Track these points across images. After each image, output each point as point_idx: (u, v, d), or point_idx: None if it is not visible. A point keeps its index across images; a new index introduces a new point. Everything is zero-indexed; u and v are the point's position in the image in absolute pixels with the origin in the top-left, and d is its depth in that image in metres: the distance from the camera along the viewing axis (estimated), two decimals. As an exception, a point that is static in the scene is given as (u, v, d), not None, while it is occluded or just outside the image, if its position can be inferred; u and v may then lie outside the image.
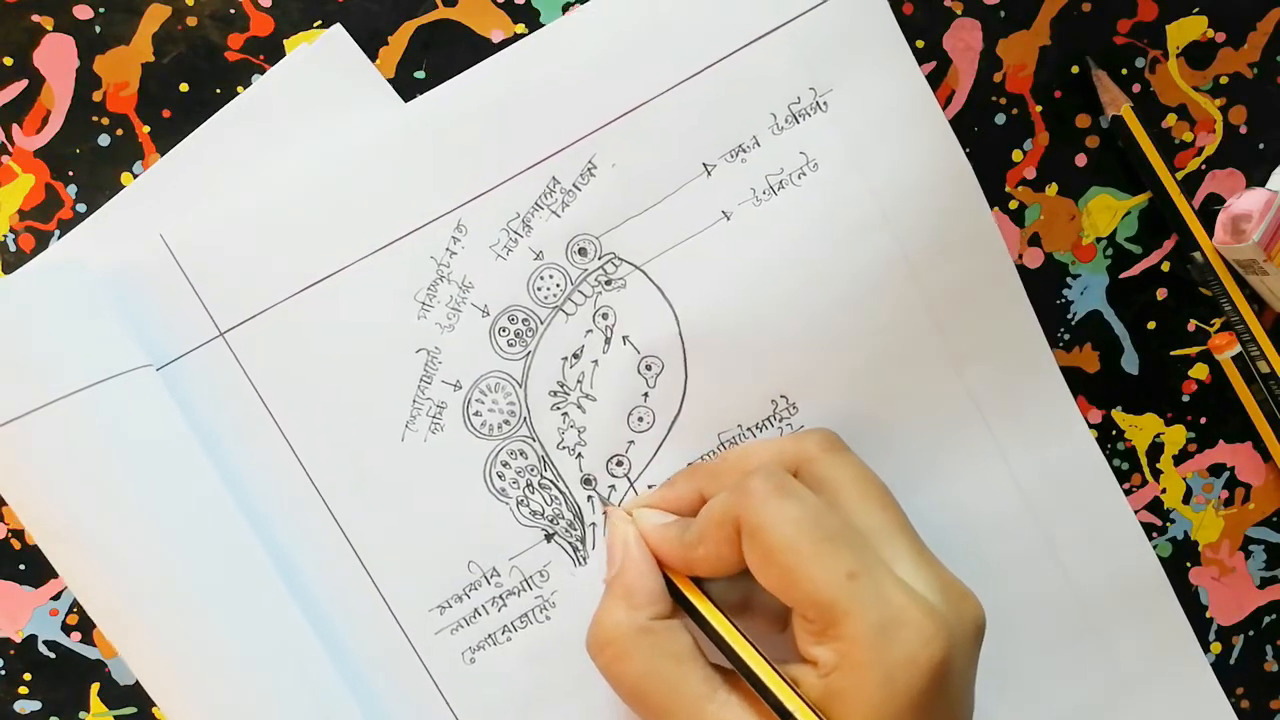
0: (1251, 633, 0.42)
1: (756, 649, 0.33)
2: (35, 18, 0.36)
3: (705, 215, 0.38)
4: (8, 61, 0.37)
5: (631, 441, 0.38)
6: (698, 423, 0.38)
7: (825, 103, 0.37)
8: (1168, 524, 0.41)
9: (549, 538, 0.38)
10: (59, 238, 0.37)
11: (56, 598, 0.38)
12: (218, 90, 0.37)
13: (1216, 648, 0.42)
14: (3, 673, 0.39)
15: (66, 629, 0.39)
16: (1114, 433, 0.41)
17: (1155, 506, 0.41)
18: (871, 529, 0.33)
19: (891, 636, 0.30)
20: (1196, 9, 0.39)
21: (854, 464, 0.35)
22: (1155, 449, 0.41)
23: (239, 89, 0.37)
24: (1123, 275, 0.40)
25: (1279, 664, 0.42)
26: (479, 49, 0.37)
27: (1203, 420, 0.41)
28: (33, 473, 0.34)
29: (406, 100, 0.37)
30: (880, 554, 0.32)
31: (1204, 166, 0.40)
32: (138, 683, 0.39)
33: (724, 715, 0.32)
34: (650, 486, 0.38)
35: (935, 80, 0.38)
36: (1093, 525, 0.40)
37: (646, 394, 0.38)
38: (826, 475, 0.34)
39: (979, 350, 0.39)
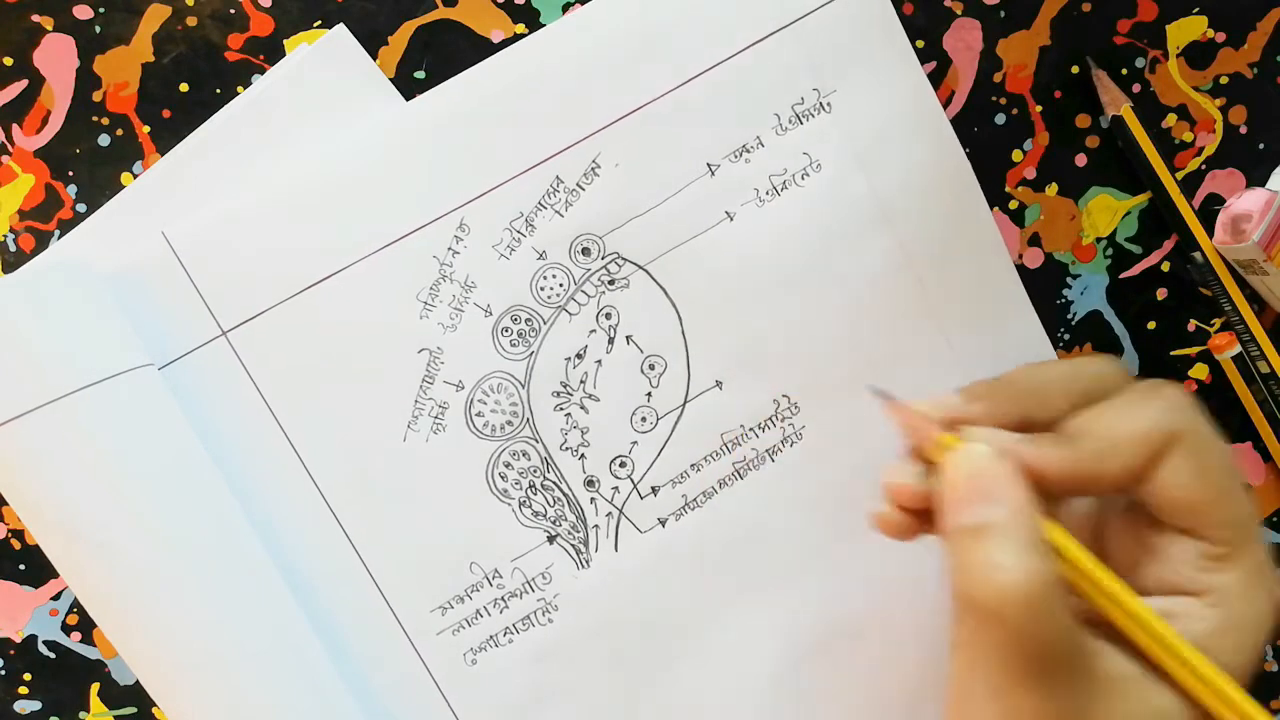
0: (1251, 632, 0.42)
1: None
2: (35, 18, 0.36)
3: (709, 215, 0.38)
4: (8, 61, 0.37)
5: (635, 442, 0.38)
6: (701, 422, 0.38)
7: (829, 103, 0.37)
8: (1168, 523, 0.41)
9: (551, 540, 0.38)
10: (59, 238, 0.37)
11: (56, 598, 0.38)
12: (218, 90, 0.37)
13: (1216, 647, 0.42)
14: (3, 673, 0.39)
15: (66, 629, 0.39)
16: (1114, 432, 0.41)
17: (1155, 506, 0.41)
18: None
19: (1273, 572, 0.31)
20: (1196, 9, 0.39)
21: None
22: (1155, 449, 0.41)
23: (239, 89, 0.37)
24: (1123, 275, 0.40)
25: (1279, 664, 0.42)
26: (479, 49, 0.37)
27: (1202, 420, 0.41)
28: (33, 472, 0.34)
29: (408, 100, 0.37)
30: None
31: (1204, 166, 0.40)
32: (138, 683, 0.39)
33: (1119, 670, 0.29)
34: (654, 489, 0.38)
35: (935, 80, 0.38)
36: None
37: (650, 394, 0.38)
38: None
39: (980, 350, 0.39)
